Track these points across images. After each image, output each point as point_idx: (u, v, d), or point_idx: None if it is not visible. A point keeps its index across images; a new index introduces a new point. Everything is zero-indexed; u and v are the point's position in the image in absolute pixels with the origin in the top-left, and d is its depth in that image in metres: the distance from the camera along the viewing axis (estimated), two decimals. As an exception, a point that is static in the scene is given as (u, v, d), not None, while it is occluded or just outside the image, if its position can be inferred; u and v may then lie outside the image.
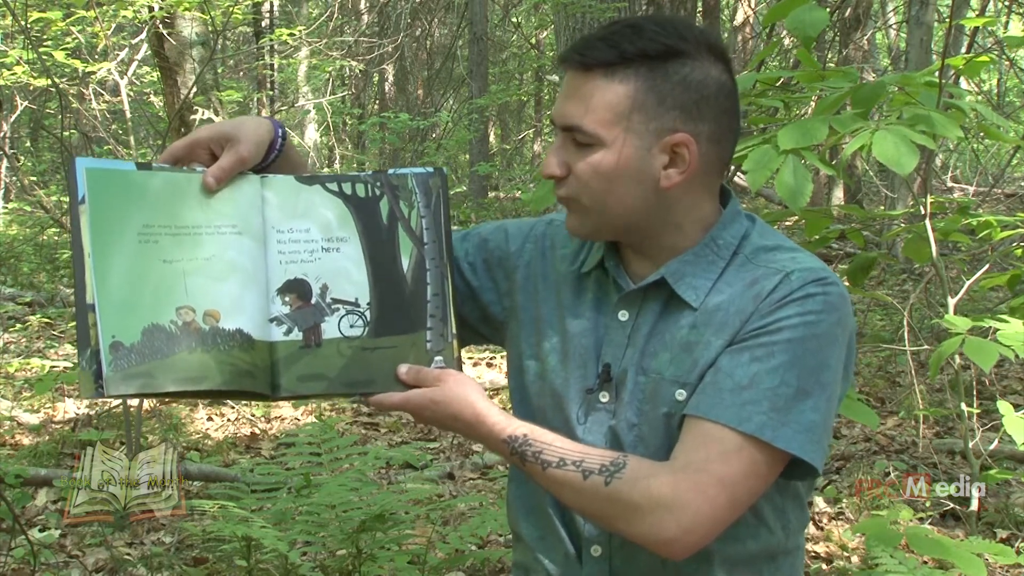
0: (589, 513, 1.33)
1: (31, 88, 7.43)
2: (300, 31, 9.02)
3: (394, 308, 1.38)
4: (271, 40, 10.84)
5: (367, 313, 1.37)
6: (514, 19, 16.05)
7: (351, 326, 1.37)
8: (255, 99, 13.07)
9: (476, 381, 1.38)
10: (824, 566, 3.69)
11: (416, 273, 1.39)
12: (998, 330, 2.48)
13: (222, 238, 1.33)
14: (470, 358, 6.67)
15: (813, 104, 4.34)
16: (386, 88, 16.23)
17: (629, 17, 1.39)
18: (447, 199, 1.41)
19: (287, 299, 1.36)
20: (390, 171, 1.41)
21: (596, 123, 1.31)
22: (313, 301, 1.36)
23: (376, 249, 1.38)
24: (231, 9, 6.43)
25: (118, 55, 7.34)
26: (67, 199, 1.31)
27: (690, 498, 1.23)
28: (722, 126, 1.35)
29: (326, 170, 14.44)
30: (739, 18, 11.89)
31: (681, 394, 1.32)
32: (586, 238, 1.42)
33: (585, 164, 1.32)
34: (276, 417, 5.69)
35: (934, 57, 8.15)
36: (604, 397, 1.39)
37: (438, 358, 1.38)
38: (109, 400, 5.53)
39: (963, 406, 2.95)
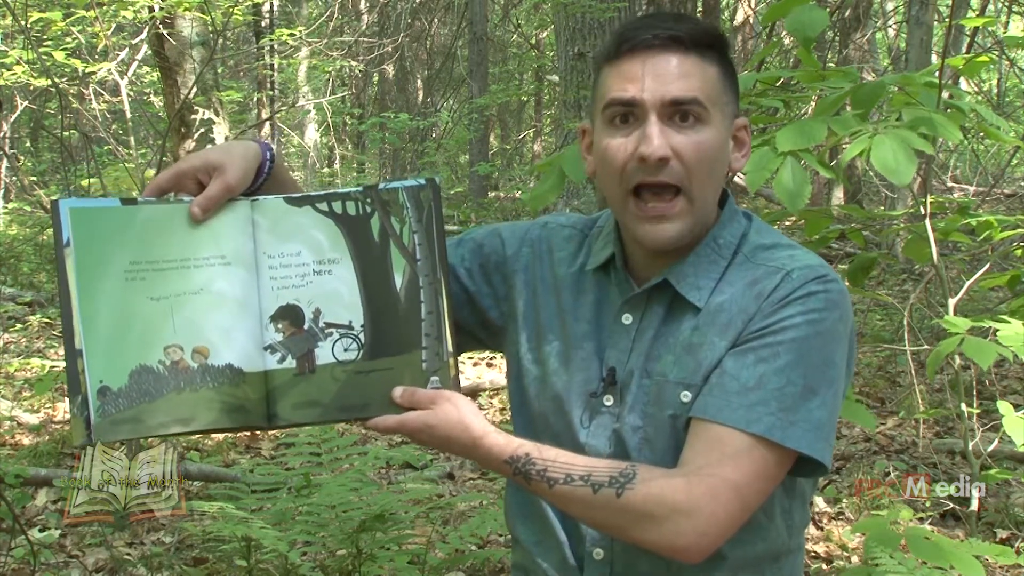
0: (601, 525, 1.32)
1: (31, 88, 7.43)
2: (300, 31, 9.01)
3: (388, 329, 1.35)
4: (271, 40, 10.83)
5: (361, 336, 1.35)
6: (514, 19, 16.03)
7: (345, 350, 1.35)
8: (255, 99, 13.06)
9: (472, 402, 1.36)
10: (824, 566, 3.69)
11: (409, 291, 1.36)
12: (998, 331, 2.47)
13: (211, 270, 1.32)
14: (470, 359, 6.66)
15: (813, 104, 4.34)
16: (386, 88, 16.22)
17: (649, 13, 1.42)
18: (440, 211, 1.37)
19: (280, 326, 1.34)
20: (380, 186, 1.38)
21: (706, 99, 1.31)
22: (306, 327, 1.35)
23: (368, 269, 1.36)
24: (231, 9, 6.42)
25: (118, 55, 7.34)
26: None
27: (705, 503, 1.23)
28: None
29: (326, 170, 14.45)
30: (739, 18, 11.88)
31: (686, 396, 1.32)
32: (675, 244, 1.35)
33: (693, 143, 1.31)
34: (276, 417, 5.68)
35: (934, 57, 8.15)
36: (608, 400, 1.38)
37: (434, 378, 1.35)
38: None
39: (963, 406, 2.94)
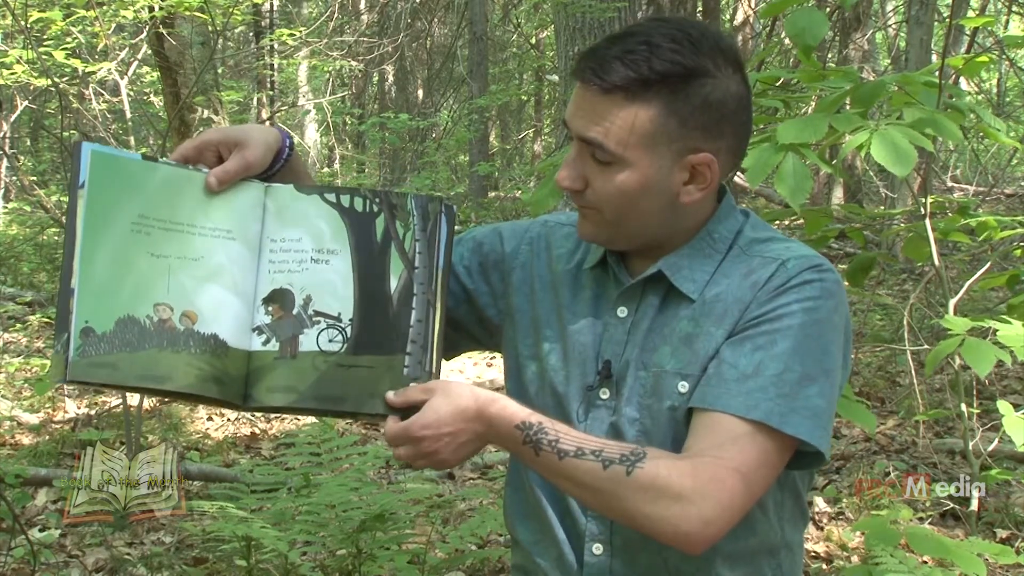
0: (605, 505, 1.27)
1: (31, 88, 7.42)
2: (300, 31, 9.01)
3: (376, 327, 1.35)
4: (271, 40, 10.83)
5: (348, 329, 1.35)
6: (514, 19, 16.02)
7: (330, 340, 1.35)
8: (255, 99, 13.06)
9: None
10: (824, 566, 3.69)
11: (402, 296, 1.36)
12: (998, 331, 2.47)
13: (215, 241, 1.33)
14: (470, 358, 6.65)
15: (813, 104, 4.34)
16: (386, 88, 16.21)
17: (640, 27, 1.33)
18: (451, 231, 1.39)
19: (270, 309, 1.35)
20: (393, 190, 1.40)
21: (619, 143, 1.29)
22: (294, 312, 1.35)
23: (366, 265, 1.36)
24: (231, 9, 6.42)
25: (118, 55, 7.33)
26: (67, 199, 1.31)
27: (711, 489, 1.22)
28: (740, 136, 1.37)
29: (326, 170, 14.44)
30: (739, 18, 11.87)
31: (684, 386, 1.32)
32: (600, 244, 1.42)
33: (607, 182, 1.32)
34: (276, 417, 5.68)
35: (934, 57, 8.14)
36: (604, 394, 1.39)
37: (413, 385, 1.34)
38: (108, 399, 5.54)
39: (963, 406, 2.94)
